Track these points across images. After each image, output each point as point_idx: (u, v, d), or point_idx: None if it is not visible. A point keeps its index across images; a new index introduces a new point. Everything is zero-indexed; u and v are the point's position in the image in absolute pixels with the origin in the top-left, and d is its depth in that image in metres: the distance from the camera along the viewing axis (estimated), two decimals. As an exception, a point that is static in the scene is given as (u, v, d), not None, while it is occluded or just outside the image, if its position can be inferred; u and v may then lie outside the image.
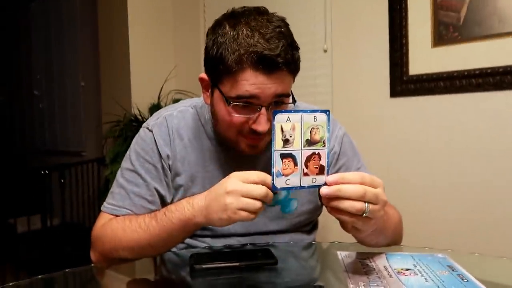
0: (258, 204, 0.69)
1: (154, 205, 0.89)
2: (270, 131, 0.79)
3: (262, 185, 0.69)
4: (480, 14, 1.60)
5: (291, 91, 0.83)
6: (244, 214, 0.69)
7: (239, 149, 0.85)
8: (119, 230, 0.85)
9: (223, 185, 0.72)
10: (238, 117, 0.80)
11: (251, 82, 0.76)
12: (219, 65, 0.78)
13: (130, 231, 0.83)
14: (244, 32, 0.77)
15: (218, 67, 0.79)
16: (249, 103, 0.78)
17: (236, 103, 0.79)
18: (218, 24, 0.82)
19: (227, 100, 0.79)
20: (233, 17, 0.80)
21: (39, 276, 0.77)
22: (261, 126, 0.79)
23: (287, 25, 0.81)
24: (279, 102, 0.81)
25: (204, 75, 0.86)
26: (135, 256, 0.85)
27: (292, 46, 0.79)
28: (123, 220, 0.86)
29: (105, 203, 0.92)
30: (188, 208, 0.77)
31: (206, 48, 0.83)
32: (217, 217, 0.72)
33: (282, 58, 0.76)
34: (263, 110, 0.78)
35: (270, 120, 0.76)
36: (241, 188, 0.69)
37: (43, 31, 4.10)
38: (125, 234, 0.84)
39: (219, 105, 0.82)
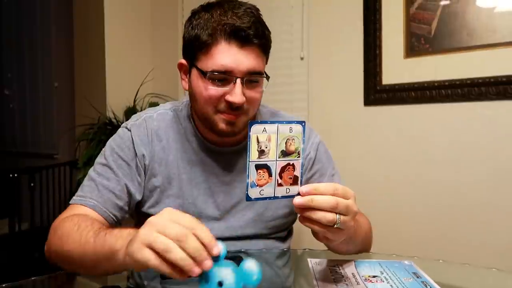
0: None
1: (121, 201, 0.89)
2: (245, 111, 0.84)
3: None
4: (450, 27, 1.67)
5: (265, 72, 0.86)
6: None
7: (217, 128, 0.86)
8: (64, 232, 0.76)
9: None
10: (214, 90, 0.82)
11: (225, 54, 0.80)
12: (195, 42, 0.83)
13: (71, 239, 0.74)
14: (218, 12, 0.82)
15: (193, 45, 0.83)
16: (224, 76, 0.81)
17: (211, 75, 0.81)
18: (193, 13, 0.87)
19: (203, 72, 0.82)
20: (208, 5, 0.86)
21: (3, 285, 0.75)
22: (237, 97, 0.81)
23: (258, 10, 0.86)
24: (253, 81, 0.84)
25: (182, 60, 0.90)
26: (69, 267, 0.78)
27: (262, 25, 0.84)
28: (76, 223, 0.77)
29: (74, 196, 0.90)
30: (122, 239, 0.63)
31: (183, 36, 0.87)
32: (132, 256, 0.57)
33: (254, 31, 0.80)
34: (238, 82, 0.81)
35: (245, 93, 0.81)
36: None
37: (15, 27, 3.96)
38: (67, 240, 0.75)
39: (197, 82, 0.85)
